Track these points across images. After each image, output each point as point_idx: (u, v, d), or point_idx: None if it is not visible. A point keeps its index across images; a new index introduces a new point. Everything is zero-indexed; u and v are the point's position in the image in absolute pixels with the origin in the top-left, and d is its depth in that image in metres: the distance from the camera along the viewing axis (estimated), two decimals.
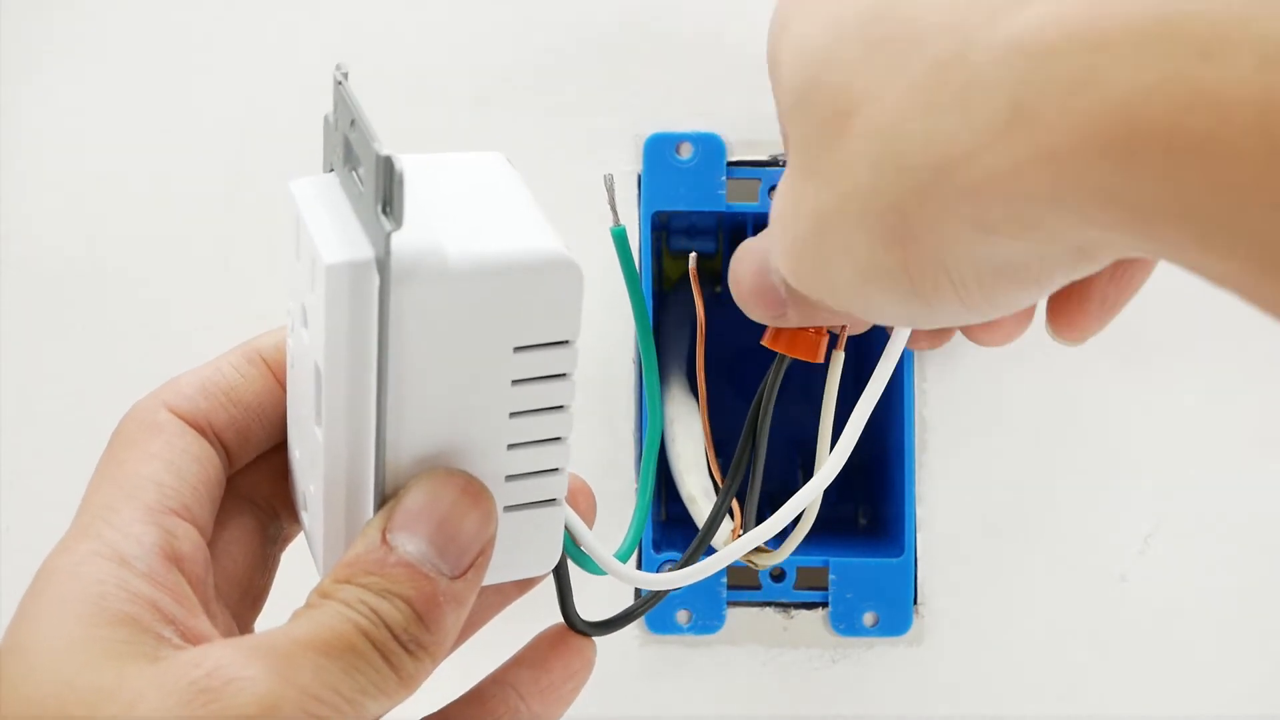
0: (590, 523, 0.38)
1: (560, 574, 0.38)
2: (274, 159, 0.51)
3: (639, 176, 0.50)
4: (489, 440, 0.34)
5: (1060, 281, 0.29)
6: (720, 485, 0.43)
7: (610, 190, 0.39)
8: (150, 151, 0.52)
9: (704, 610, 0.50)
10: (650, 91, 0.51)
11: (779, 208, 0.31)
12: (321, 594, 0.32)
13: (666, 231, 0.54)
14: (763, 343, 0.37)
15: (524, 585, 0.40)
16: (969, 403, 0.51)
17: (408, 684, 0.32)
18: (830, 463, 0.38)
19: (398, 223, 0.30)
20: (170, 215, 0.51)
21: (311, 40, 0.51)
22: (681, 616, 0.50)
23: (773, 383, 0.38)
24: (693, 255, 0.40)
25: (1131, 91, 0.22)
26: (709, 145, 0.50)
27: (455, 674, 0.38)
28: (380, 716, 0.32)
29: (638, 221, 0.50)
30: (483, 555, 0.33)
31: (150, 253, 0.51)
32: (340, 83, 0.33)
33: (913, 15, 0.26)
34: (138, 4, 0.51)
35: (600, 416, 0.51)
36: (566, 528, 0.37)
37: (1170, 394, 0.51)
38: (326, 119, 0.35)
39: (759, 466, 0.40)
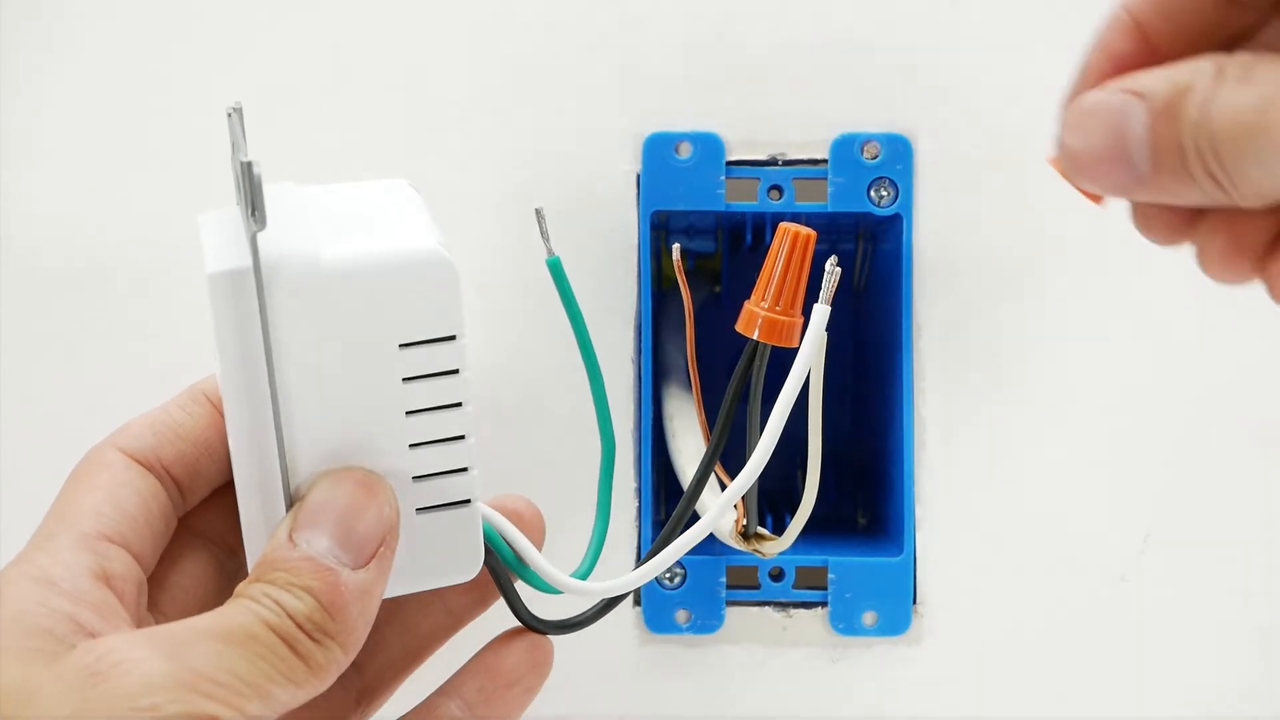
0: (539, 544, 0.39)
1: (499, 577, 0.39)
2: (275, 159, 0.51)
3: (638, 176, 0.50)
4: (389, 439, 0.35)
5: None
6: (723, 480, 0.43)
7: (541, 222, 0.41)
8: (151, 152, 0.52)
9: (703, 610, 0.50)
10: (650, 91, 0.51)
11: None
12: (233, 595, 0.34)
13: (665, 231, 0.54)
14: (737, 328, 0.37)
15: (474, 606, 0.41)
16: (968, 402, 0.51)
17: (318, 673, 0.33)
18: (783, 393, 0.39)
19: (261, 224, 0.32)
20: (171, 217, 0.51)
21: (312, 39, 0.51)
22: (680, 616, 0.50)
23: (759, 366, 0.38)
24: (676, 246, 0.40)
25: None
26: (708, 144, 0.50)
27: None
28: (295, 705, 0.33)
29: (637, 221, 0.50)
30: (384, 545, 0.35)
31: (151, 255, 0.51)
32: (230, 115, 0.35)
33: None
34: (139, 5, 0.51)
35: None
36: (514, 548, 0.38)
37: (1170, 393, 0.51)
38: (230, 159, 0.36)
39: (753, 443, 0.39)
